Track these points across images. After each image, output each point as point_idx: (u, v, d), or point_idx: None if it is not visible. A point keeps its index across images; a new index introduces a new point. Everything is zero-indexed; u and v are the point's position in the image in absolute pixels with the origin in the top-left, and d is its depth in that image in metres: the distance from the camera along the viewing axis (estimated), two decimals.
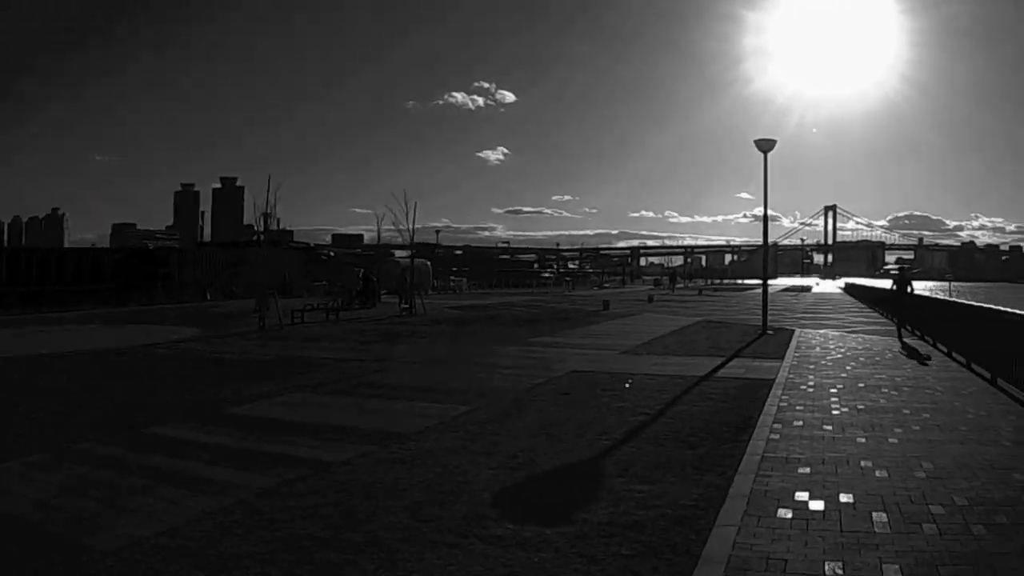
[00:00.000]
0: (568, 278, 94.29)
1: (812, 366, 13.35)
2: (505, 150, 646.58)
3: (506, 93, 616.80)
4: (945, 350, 15.26)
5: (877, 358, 14.56)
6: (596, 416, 9.05)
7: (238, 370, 13.33)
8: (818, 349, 16.27)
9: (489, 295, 51.72)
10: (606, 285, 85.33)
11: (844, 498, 5.64)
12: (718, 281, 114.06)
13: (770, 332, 20.62)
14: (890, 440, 7.47)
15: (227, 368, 13.60)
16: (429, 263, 57.87)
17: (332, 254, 66.98)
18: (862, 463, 6.62)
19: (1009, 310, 11.14)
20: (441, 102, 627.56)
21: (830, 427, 8.16)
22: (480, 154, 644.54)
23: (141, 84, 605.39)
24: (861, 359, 14.39)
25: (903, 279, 20.03)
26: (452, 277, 67.47)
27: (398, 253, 71.60)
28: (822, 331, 21.57)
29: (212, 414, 9.21)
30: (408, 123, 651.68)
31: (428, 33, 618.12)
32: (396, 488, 6.09)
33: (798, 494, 5.75)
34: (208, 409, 9.49)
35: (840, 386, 11.02)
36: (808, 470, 6.44)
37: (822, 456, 6.89)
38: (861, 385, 11.11)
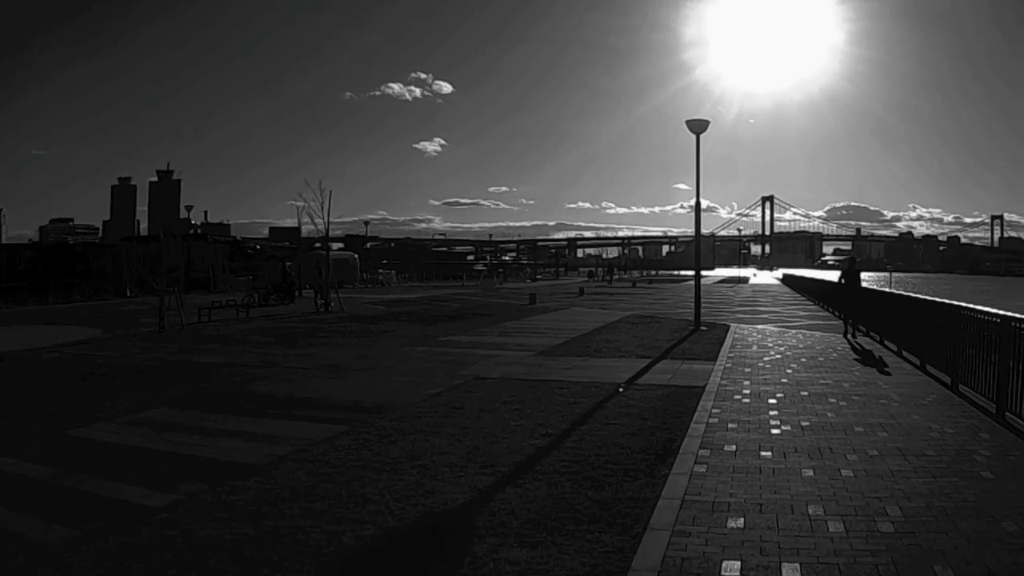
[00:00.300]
0: (501, 270, 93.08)
1: (748, 369, 12.01)
2: (442, 141, 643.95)
3: (443, 84, 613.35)
4: (895, 348, 14.13)
5: (821, 359, 13.32)
6: (485, 441, 7.42)
7: (111, 380, 11.54)
8: (755, 348, 14.98)
9: (417, 288, 49.84)
10: (538, 277, 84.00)
11: (789, 574, 4.09)
12: (654, 272, 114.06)
13: (703, 328, 19.34)
14: (843, 472, 6.05)
15: (102, 377, 11.83)
16: (356, 256, 56.38)
17: (258, 247, 64.19)
18: (811, 509, 5.15)
19: (971, 306, 9.82)
20: (378, 93, 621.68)
21: (769, 453, 6.71)
22: (417, 145, 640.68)
23: (82, 80, 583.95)
24: (803, 360, 13.12)
25: (852, 271, 18.56)
26: (381, 270, 65.53)
27: (335, 246, 69.28)
28: (760, 326, 20.43)
29: (50, 437, 7.85)
30: (346, 114, 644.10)
31: (366, 24, 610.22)
32: (220, 546, 4.45)
33: (726, 567, 4.19)
34: (49, 430, 8.15)
35: (780, 395, 9.65)
36: (741, 523, 4.93)
37: (759, 499, 5.41)
38: (804, 393, 9.76)
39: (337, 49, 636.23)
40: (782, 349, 14.75)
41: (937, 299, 12.45)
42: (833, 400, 9.26)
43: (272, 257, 49.58)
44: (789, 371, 11.77)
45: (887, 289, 21.63)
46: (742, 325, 20.76)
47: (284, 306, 28.20)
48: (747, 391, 9.95)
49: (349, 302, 29.23)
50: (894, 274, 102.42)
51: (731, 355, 13.85)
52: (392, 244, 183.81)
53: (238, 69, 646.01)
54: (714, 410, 8.69)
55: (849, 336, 16.94)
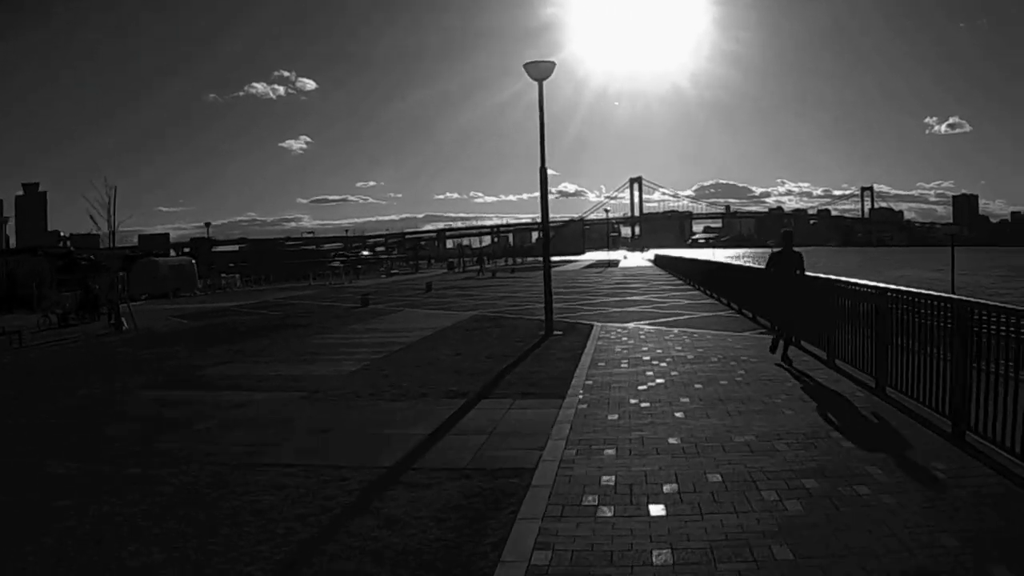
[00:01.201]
0: (360, 266, 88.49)
1: (614, 416, 7.71)
2: (308, 139, 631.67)
3: (307, 81, 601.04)
4: (847, 366, 10.03)
5: (724, 380, 9.41)
6: None
7: None
8: (625, 366, 10.75)
9: (259, 292, 44.04)
10: (394, 272, 79.12)
11: None
12: (519, 260, 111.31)
13: (557, 333, 15.05)
14: None
15: None
16: (194, 261, 51.78)
17: (92, 257, 58.10)
18: None
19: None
20: (242, 93, 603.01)
21: None
22: (283, 144, 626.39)
23: None
24: (699, 386, 9.08)
25: (788, 254, 11.12)
26: (224, 274, 59.67)
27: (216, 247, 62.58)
28: (631, 325, 16.38)
29: None
30: (212, 117, 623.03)
31: (228, 25, 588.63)
32: None
33: None
34: None
35: (671, 489, 5.22)
36: None
37: None
38: (717, 479, 5.50)
39: (198, 52, 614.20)
40: (665, 366, 10.57)
41: (940, 293, 8.36)
42: (797, 507, 4.83)
43: (107, 269, 44.67)
44: (681, 415, 7.52)
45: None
46: (609, 324, 16.57)
47: (84, 326, 24.31)
48: (616, 482, 5.50)
49: (156, 315, 26.62)
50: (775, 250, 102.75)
51: (589, 382, 9.53)
52: (245, 245, 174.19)
53: (100, 79, 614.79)
54: (543, 561, 4.10)
55: (781, 351, 10.85)
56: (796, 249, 11.02)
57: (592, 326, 16.37)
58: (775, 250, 11.37)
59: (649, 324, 16.41)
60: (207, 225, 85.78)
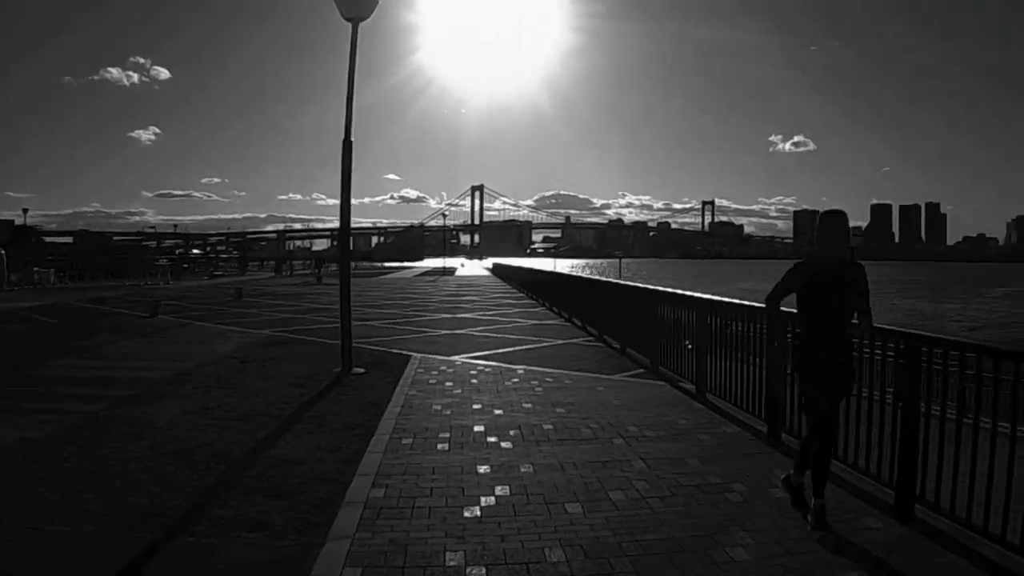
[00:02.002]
0: (186, 265, 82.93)
1: None
2: (157, 130, 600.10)
3: (161, 70, 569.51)
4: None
5: (630, 498, 5.40)
6: None
7: None
8: (443, 450, 6.77)
9: (63, 291, 36.87)
10: (218, 273, 72.68)
11: None
12: (353, 264, 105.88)
13: (358, 371, 10.76)
14: None
15: None
16: (3, 252, 44.62)
17: None
18: None
19: None
20: (97, 78, 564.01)
21: None
22: (132, 134, 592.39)
23: None
24: (594, 522, 5.03)
25: (841, 276, 4.72)
26: (37, 268, 51.93)
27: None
28: (461, 358, 12.33)
29: None
30: (64, 101, 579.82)
31: (86, 5, 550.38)
32: None
33: None
34: None
35: None
36: None
37: None
38: None
39: (57, 33, 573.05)
40: (509, 451, 6.53)
41: None
42: None
43: None
44: None
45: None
46: (433, 357, 12.36)
47: None
48: None
49: None
50: (625, 260, 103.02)
51: (378, 494, 5.36)
52: (73, 239, 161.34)
53: None
54: None
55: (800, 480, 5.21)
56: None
57: (409, 358, 12.16)
58: (810, 263, 4.80)
59: (485, 357, 12.31)
60: (25, 212, 77.51)
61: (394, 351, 13.15)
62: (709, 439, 6.69)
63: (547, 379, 10.06)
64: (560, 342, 14.38)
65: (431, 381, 10.01)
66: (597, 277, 19.98)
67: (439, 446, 6.58)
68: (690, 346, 8.50)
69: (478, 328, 17.28)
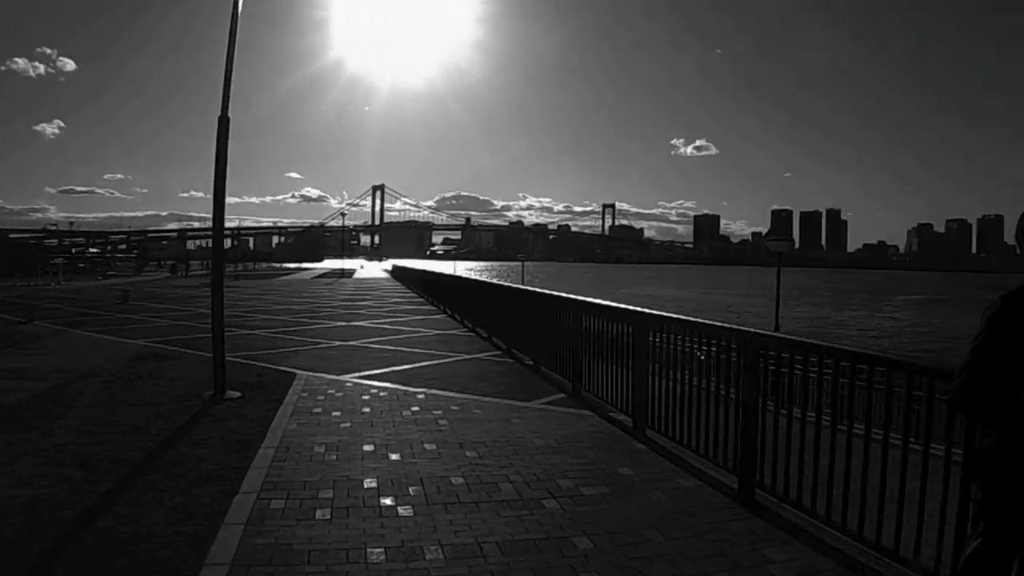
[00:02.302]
0: (82, 264, 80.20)
1: None
2: (61, 123, 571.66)
3: (67, 61, 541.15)
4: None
5: None
6: None
7: None
8: (322, 520, 5.21)
9: None
10: (111, 273, 69.52)
11: None
12: (251, 265, 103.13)
13: (233, 395, 9.11)
14: None
15: None
16: None
17: None
18: None
19: None
20: (3, 68, 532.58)
21: None
22: (37, 127, 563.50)
23: None
24: None
25: None
26: None
27: None
28: (354, 379, 10.69)
29: None
30: None
31: None
32: None
33: None
34: None
35: None
36: None
37: None
38: None
39: None
40: (408, 520, 5.04)
41: None
42: None
43: None
44: None
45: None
46: (321, 377, 10.70)
47: None
48: None
49: None
50: (528, 263, 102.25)
51: None
52: None
53: None
54: None
55: None
56: None
57: (294, 379, 10.46)
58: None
59: (380, 377, 10.68)
60: None
61: (279, 368, 11.42)
62: (664, 499, 5.30)
63: (452, 407, 8.55)
64: (465, 357, 12.91)
65: (316, 410, 8.36)
66: (506, 283, 18.62)
67: (318, 512, 5.00)
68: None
69: (374, 340, 15.57)
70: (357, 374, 10.97)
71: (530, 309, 12.23)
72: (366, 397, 9.19)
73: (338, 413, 8.20)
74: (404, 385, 10.02)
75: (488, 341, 14.99)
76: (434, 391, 9.60)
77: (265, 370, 11.21)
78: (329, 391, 9.61)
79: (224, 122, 9.75)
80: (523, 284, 22.41)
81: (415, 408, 8.52)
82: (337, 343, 15.02)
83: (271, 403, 8.72)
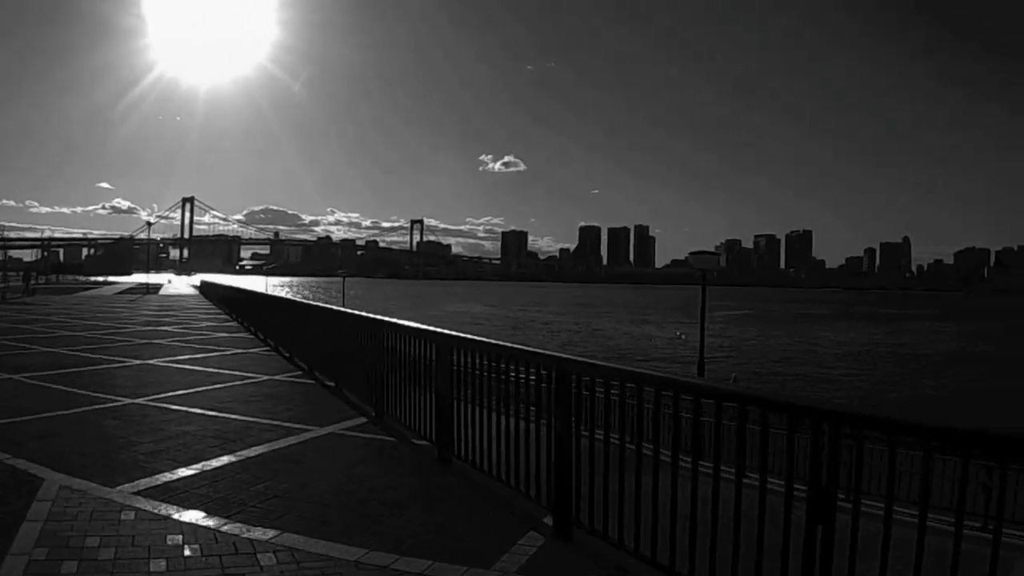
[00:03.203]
0: None
1: None
2: None
3: None
4: None
5: None
6: None
7: None
8: None
9: None
10: None
11: None
12: (54, 278, 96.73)
13: None
14: None
15: None
16: None
17: None
18: None
19: None
20: None
21: None
22: None
23: None
24: None
25: None
26: None
27: None
28: (143, 488, 6.08)
29: None
30: None
31: None
32: None
33: None
34: None
35: None
36: None
37: None
38: None
39: None
40: None
41: None
42: None
43: None
44: None
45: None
46: (83, 489, 5.75)
47: None
48: None
49: None
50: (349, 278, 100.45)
51: None
52: None
53: None
54: None
55: None
56: None
57: (31, 506, 5.29)
58: None
59: (171, 470, 6.41)
60: None
61: (18, 466, 6.42)
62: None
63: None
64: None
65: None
66: (308, 300, 17.71)
67: None
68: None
69: (175, 380, 12.12)
70: (145, 481, 8.39)
71: (330, 329, 11.40)
72: (160, 554, 8.01)
73: None
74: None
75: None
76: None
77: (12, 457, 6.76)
78: (89, 538, 7.30)
79: None
80: (344, 301, 21.53)
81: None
82: (124, 399, 11.01)
83: None
